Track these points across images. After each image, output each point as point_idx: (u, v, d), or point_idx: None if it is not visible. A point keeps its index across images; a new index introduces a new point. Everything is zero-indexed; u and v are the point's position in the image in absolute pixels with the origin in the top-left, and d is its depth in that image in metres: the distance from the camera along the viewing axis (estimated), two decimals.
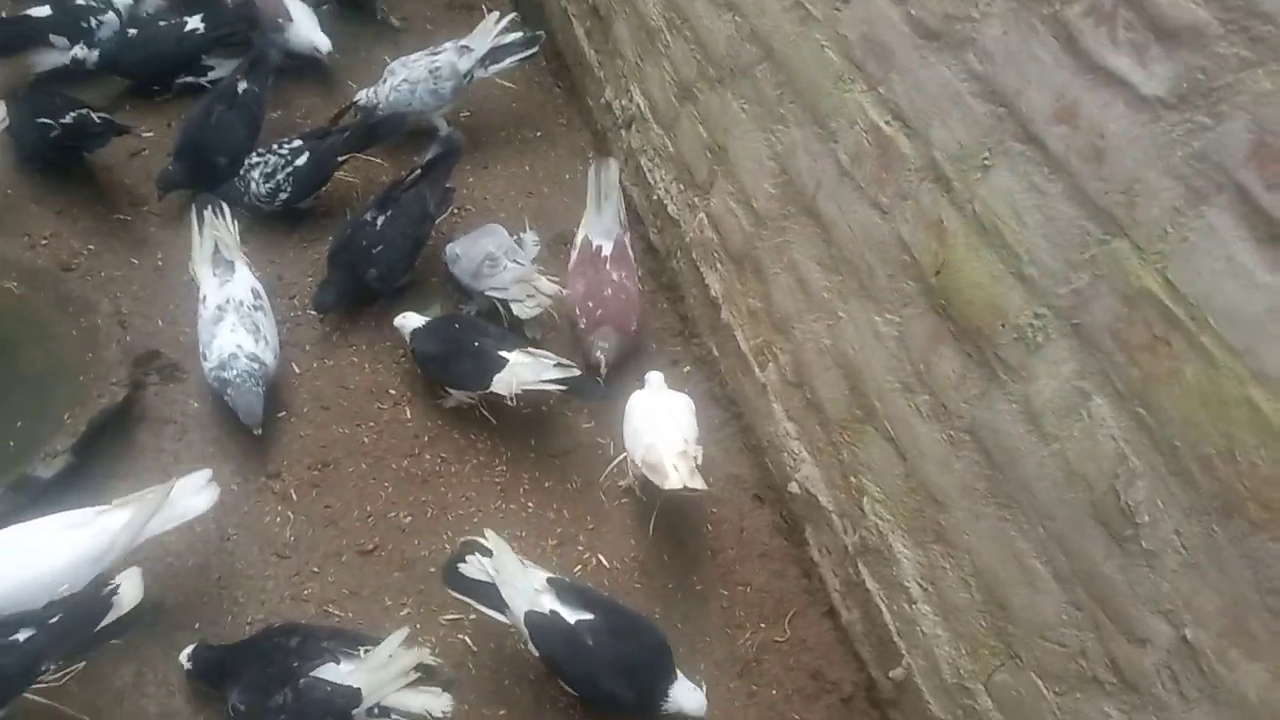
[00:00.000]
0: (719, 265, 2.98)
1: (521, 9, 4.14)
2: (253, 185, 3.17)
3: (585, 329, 2.98)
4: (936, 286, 2.07)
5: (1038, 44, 1.76)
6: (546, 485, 2.79)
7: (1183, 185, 1.51)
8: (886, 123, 2.18)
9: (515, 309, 3.00)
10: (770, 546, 2.74)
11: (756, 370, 2.80)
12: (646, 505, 2.73)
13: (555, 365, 2.67)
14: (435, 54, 3.46)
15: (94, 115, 3.08)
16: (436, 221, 3.17)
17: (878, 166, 2.23)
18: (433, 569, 2.55)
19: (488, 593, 2.28)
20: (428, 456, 2.82)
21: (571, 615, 2.21)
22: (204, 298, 2.77)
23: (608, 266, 3.03)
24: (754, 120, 2.70)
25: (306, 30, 3.64)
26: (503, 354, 2.70)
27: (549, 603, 2.22)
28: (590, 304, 2.98)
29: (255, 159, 3.20)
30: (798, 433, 2.66)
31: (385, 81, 3.43)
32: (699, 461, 2.51)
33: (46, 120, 3.06)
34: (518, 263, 3.05)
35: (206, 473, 2.37)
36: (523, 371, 2.67)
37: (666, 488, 2.44)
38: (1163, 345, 1.56)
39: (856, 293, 2.34)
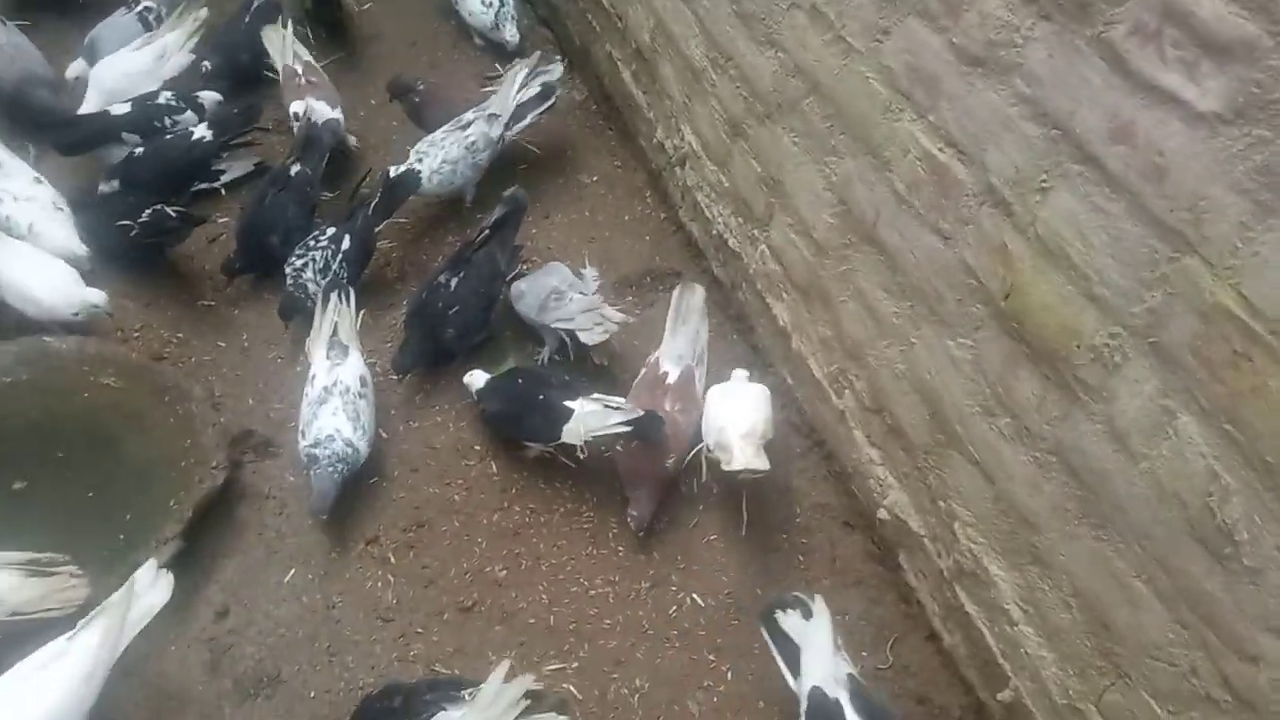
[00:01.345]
0: (785, 295, 3.00)
1: (567, 55, 4.23)
2: (309, 286, 3.18)
3: (625, 476, 2.85)
4: (1007, 310, 2.07)
5: (1085, 65, 1.76)
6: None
7: (1249, 200, 1.50)
8: (940, 150, 2.19)
9: (582, 337, 3.06)
10: (865, 573, 2.75)
11: (833, 397, 2.82)
12: (737, 541, 2.76)
13: (618, 409, 2.74)
14: (465, 128, 3.51)
15: (169, 210, 3.18)
16: (508, 278, 3.24)
17: (935, 193, 2.24)
18: (532, 620, 2.62)
19: (789, 650, 2.30)
20: (517, 509, 2.88)
21: (852, 717, 2.15)
22: (313, 377, 2.85)
23: (667, 396, 2.88)
24: (806, 153, 2.73)
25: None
26: (568, 404, 2.77)
27: (839, 693, 2.17)
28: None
29: (298, 261, 3.20)
30: (882, 459, 2.66)
31: (421, 161, 3.46)
32: (764, 441, 2.63)
33: (125, 222, 3.16)
34: (581, 294, 3.12)
35: (152, 564, 2.37)
36: (589, 419, 2.74)
37: (731, 468, 2.56)
38: (1244, 361, 1.55)
39: (927, 318, 2.34)
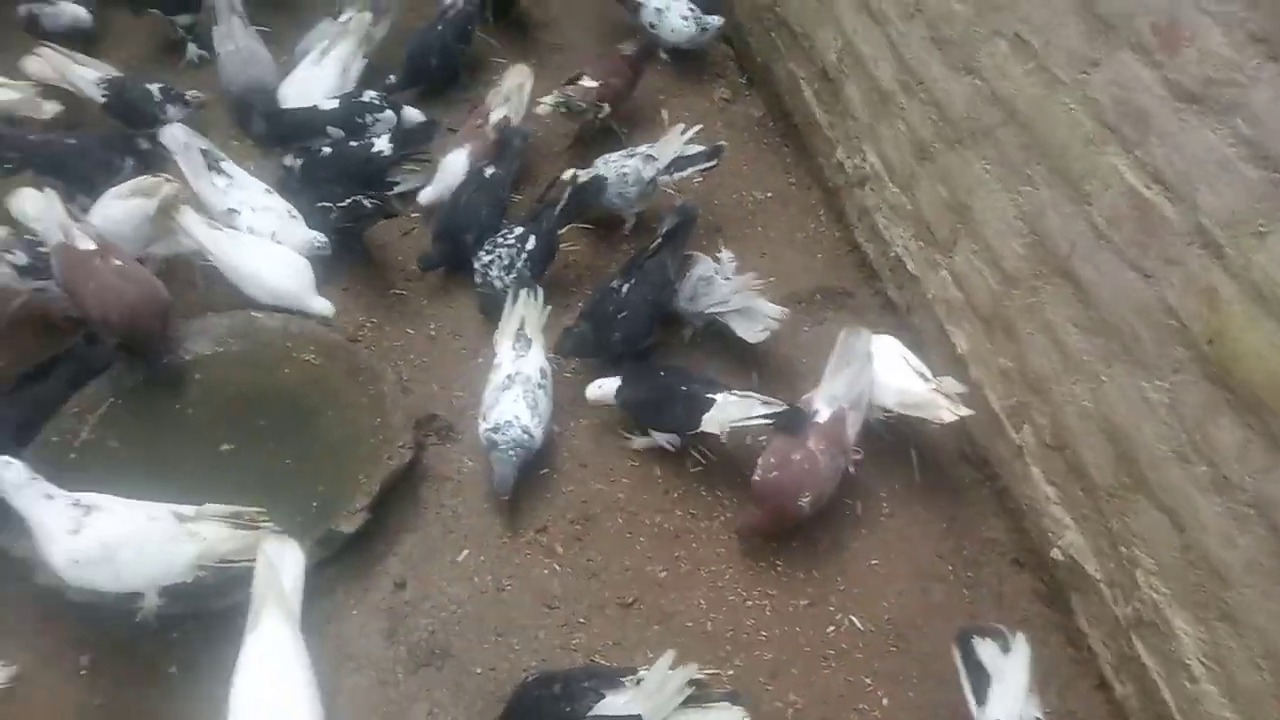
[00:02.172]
0: (965, 323, 2.97)
1: (748, 73, 4.29)
2: (496, 282, 3.34)
3: (757, 489, 2.79)
4: (1210, 355, 2.01)
5: None
6: (794, 545, 2.85)
7: None
8: (1146, 186, 2.15)
9: (740, 331, 3.14)
10: (1031, 613, 2.70)
11: (1010, 431, 2.77)
12: (899, 568, 2.76)
13: (762, 402, 2.79)
14: (627, 158, 3.60)
15: (365, 200, 3.40)
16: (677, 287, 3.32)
17: (1138, 230, 2.19)
18: (689, 624, 2.67)
19: (978, 677, 2.28)
20: (678, 513, 2.95)
21: None
22: (498, 365, 3.00)
23: (813, 434, 2.78)
24: (998, 180, 2.70)
25: None
26: (710, 395, 2.85)
27: None
28: (772, 460, 2.77)
29: (486, 256, 3.36)
30: (1059, 497, 2.61)
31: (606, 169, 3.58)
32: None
33: (326, 204, 3.42)
34: (727, 279, 3.20)
35: (273, 536, 2.46)
36: (731, 409, 2.82)
37: (943, 421, 2.75)
38: None
39: (1120, 357, 2.29)
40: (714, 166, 3.70)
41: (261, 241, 3.31)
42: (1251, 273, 1.89)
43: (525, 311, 3.11)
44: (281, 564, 2.38)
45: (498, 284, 3.35)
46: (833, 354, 2.98)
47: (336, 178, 3.60)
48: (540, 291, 3.20)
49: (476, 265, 3.38)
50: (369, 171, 3.66)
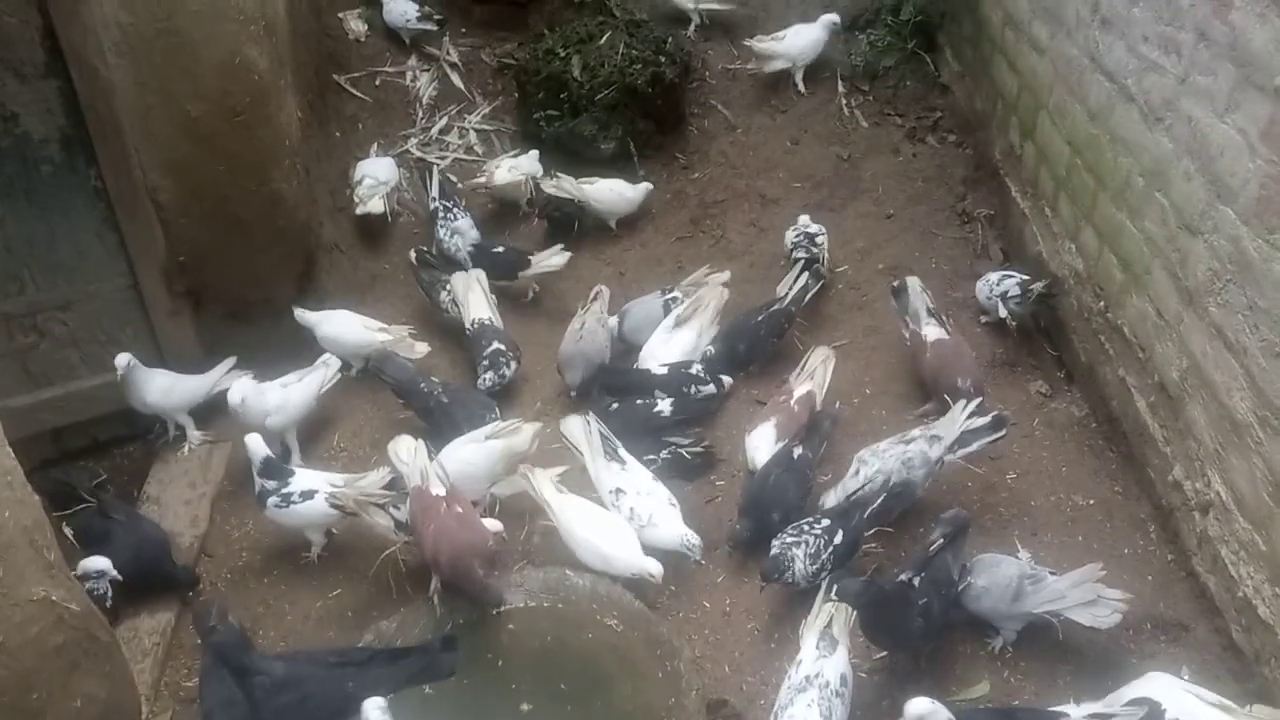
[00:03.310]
0: None
1: (1070, 372, 4.19)
2: (798, 565, 3.28)
3: None
4: None
5: None
6: None
7: None
8: None
9: (1086, 620, 3.04)
10: None
11: None
12: None
13: None
14: (906, 443, 3.55)
15: (684, 450, 3.79)
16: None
17: None
18: None
19: None
20: None
21: None
22: (799, 662, 2.91)
23: None
24: None
25: None
26: None
27: None
28: None
29: (790, 539, 3.32)
30: None
31: (858, 472, 3.55)
32: None
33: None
34: (1052, 573, 3.09)
35: None
36: None
37: None
38: None
39: None
40: (1003, 437, 3.62)
41: (597, 509, 3.52)
42: None
43: (834, 613, 3.05)
44: None
45: (799, 567, 3.30)
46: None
47: (619, 428, 3.88)
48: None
49: (776, 544, 3.35)
50: (650, 428, 4.01)
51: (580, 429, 3.75)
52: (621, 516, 3.53)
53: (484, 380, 4.24)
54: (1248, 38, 2.95)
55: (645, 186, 5.43)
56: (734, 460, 4.01)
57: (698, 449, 3.99)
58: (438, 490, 3.36)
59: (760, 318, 4.44)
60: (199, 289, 4.27)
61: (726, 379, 4.27)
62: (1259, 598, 2.95)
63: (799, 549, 3.33)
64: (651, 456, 3.86)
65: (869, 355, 4.51)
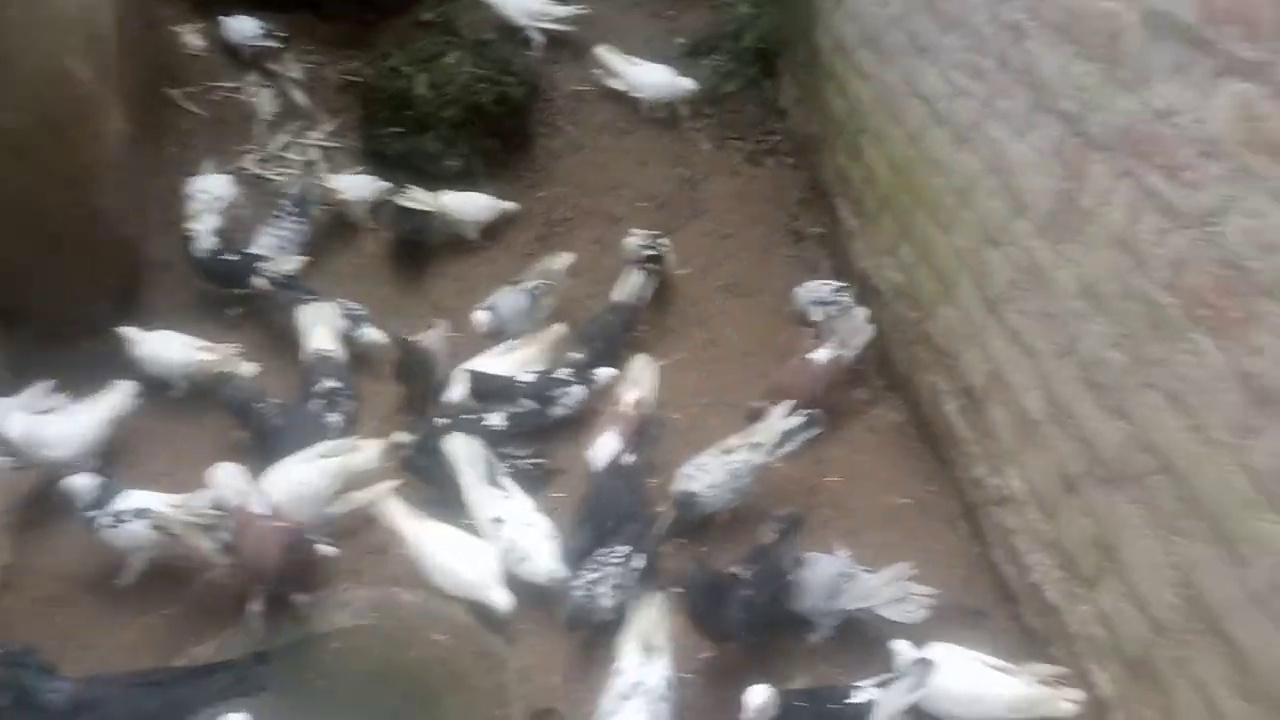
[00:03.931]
0: (1109, 665, 2.82)
1: (890, 381, 4.39)
2: (604, 601, 3.25)
3: None
4: None
5: None
6: None
7: None
8: None
9: (895, 615, 3.18)
10: None
11: None
12: None
13: None
14: (727, 453, 3.64)
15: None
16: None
17: None
18: None
19: None
20: None
21: None
22: (621, 670, 2.92)
23: None
24: (1149, 526, 2.64)
25: None
26: None
27: None
28: None
29: (591, 576, 3.29)
30: None
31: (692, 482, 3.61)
32: None
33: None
34: (869, 571, 3.22)
35: None
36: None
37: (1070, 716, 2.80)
38: None
39: None
40: (818, 435, 3.74)
41: (451, 531, 3.44)
42: None
43: (649, 620, 3.07)
44: None
45: (605, 605, 3.26)
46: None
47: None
48: (665, 599, 3.16)
49: (578, 589, 3.28)
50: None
51: (464, 449, 3.66)
52: (497, 546, 3.41)
53: (328, 420, 4.01)
54: (1040, 64, 3.20)
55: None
56: (574, 471, 4.04)
57: (536, 461, 4.01)
58: (260, 509, 3.28)
59: (610, 316, 4.54)
60: (10, 307, 4.06)
61: (606, 371, 4.25)
62: (1047, 582, 3.16)
63: (602, 585, 3.30)
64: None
65: (710, 367, 4.63)
